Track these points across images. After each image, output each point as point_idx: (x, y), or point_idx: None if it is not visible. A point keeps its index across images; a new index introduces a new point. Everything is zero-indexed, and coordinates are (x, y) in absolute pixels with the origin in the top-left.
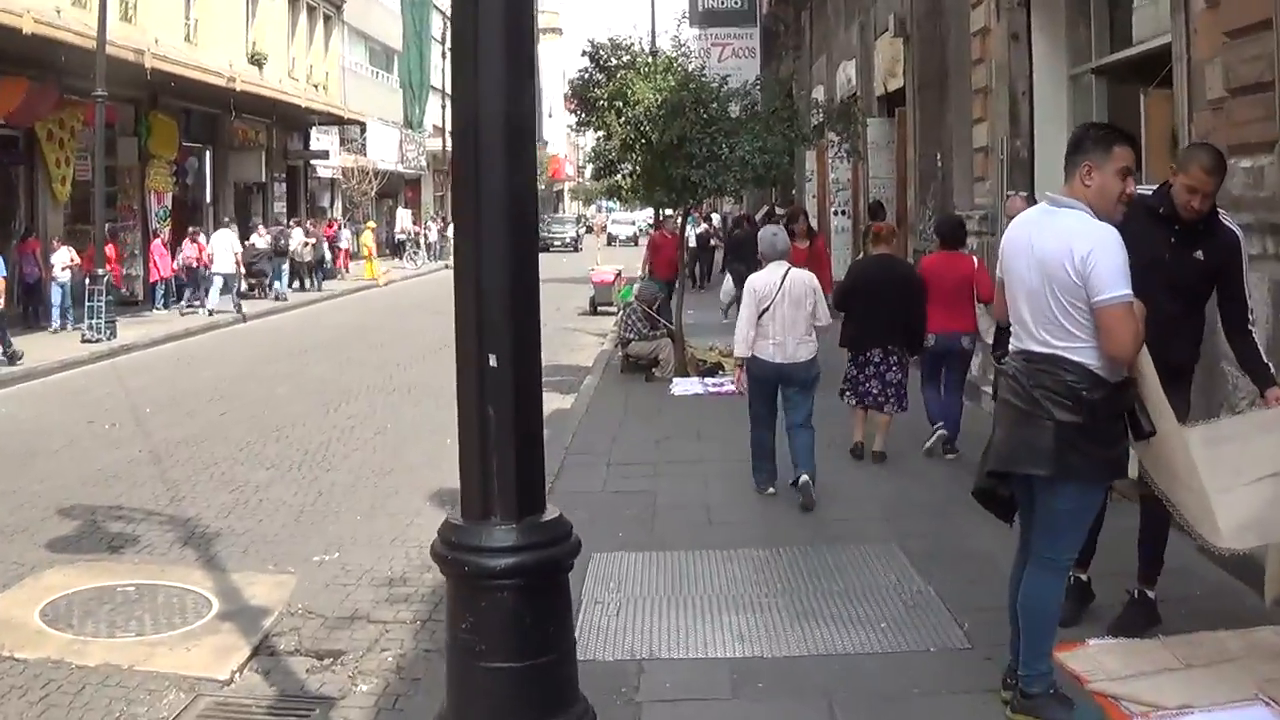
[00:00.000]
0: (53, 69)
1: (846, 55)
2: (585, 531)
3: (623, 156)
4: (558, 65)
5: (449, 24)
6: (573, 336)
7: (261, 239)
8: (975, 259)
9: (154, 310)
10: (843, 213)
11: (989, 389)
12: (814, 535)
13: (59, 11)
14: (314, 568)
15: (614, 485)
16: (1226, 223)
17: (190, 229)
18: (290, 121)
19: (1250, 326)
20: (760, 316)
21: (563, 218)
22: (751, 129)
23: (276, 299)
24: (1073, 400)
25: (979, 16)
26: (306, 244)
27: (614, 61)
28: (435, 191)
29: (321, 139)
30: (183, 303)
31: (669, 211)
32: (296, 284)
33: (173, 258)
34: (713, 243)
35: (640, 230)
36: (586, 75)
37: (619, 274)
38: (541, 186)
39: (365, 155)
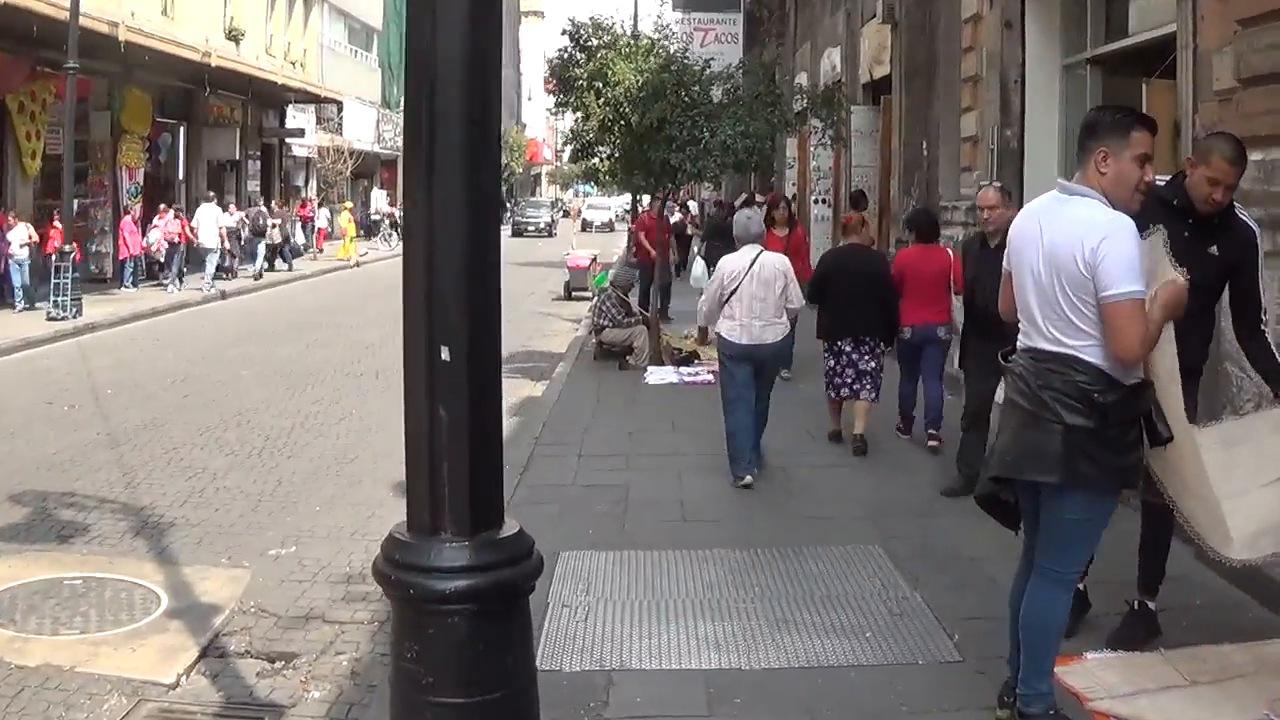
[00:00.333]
0: (26, 41)
1: (832, 42)
2: (554, 527)
3: (601, 138)
4: (539, 48)
5: None
6: (546, 322)
7: (230, 218)
8: (951, 251)
9: (123, 288)
10: (824, 201)
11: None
12: (793, 535)
13: None
14: (269, 562)
15: (585, 479)
16: (1243, 217)
17: (174, 205)
18: (266, 99)
19: (1262, 326)
20: (729, 298)
21: (538, 201)
22: (734, 113)
23: (256, 279)
24: (1084, 403)
25: (971, 3)
26: (274, 225)
27: (594, 41)
28: None
29: (298, 117)
30: (169, 277)
31: (645, 200)
32: (265, 264)
33: (143, 235)
34: (689, 231)
35: (617, 216)
36: (566, 54)
37: (594, 259)
38: (519, 169)
39: (341, 134)
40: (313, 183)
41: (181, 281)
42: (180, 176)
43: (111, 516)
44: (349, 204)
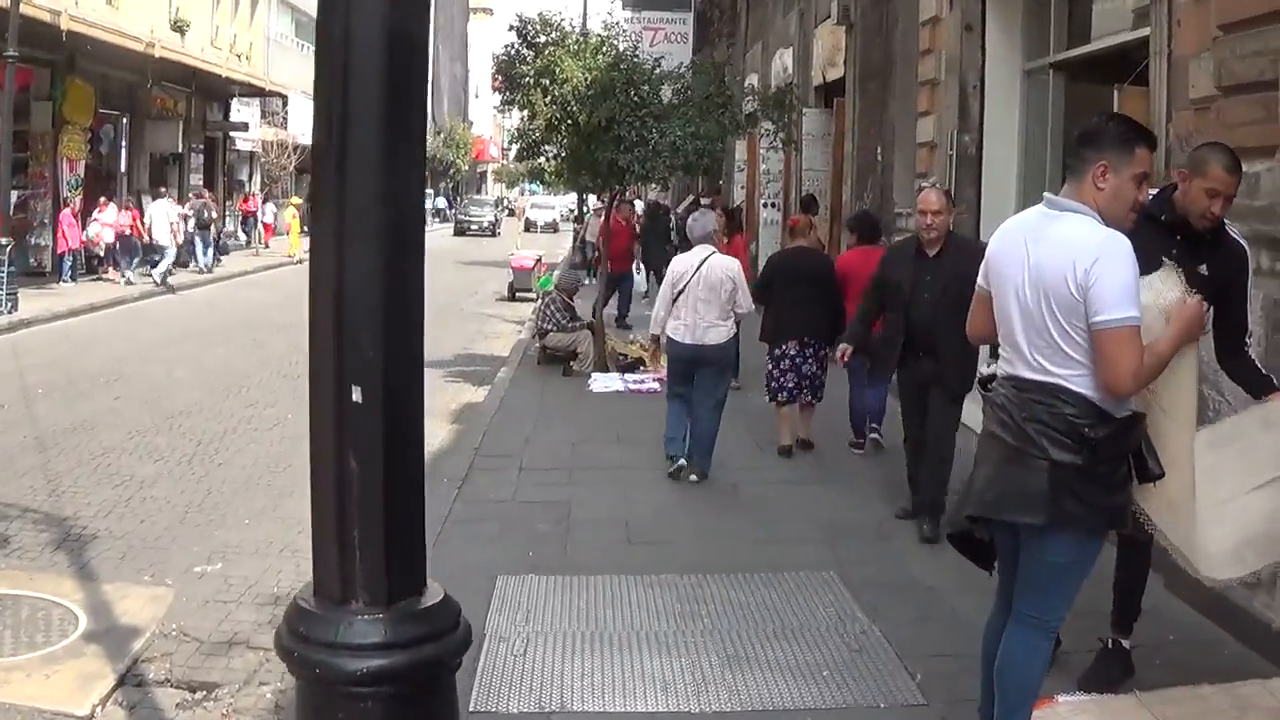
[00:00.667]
0: None
1: (784, 43)
2: (493, 548)
3: (547, 138)
4: (487, 46)
5: None
6: (489, 323)
7: (175, 210)
8: None
9: (61, 283)
10: (773, 205)
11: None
12: (744, 560)
13: None
14: (194, 579)
15: (525, 494)
16: (1233, 234)
17: (114, 199)
18: (211, 92)
19: (1245, 348)
20: (676, 298)
21: (481, 200)
22: (684, 114)
23: (206, 272)
24: (1072, 438)
25: (929, 5)
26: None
27: (542, 38)
28: None
29: (242, 110)
30: (122, 270)
31: (593, 199)
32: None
33: (83, 228)
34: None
35: (561, 216)
36: (513, 51)
37: (539, 260)
38: (465, 166)
39: (286, 129)
40: (256, 177)
41: (133, 272)
42: (122, 169)
43: (33, 527)
44: (296, 199)
